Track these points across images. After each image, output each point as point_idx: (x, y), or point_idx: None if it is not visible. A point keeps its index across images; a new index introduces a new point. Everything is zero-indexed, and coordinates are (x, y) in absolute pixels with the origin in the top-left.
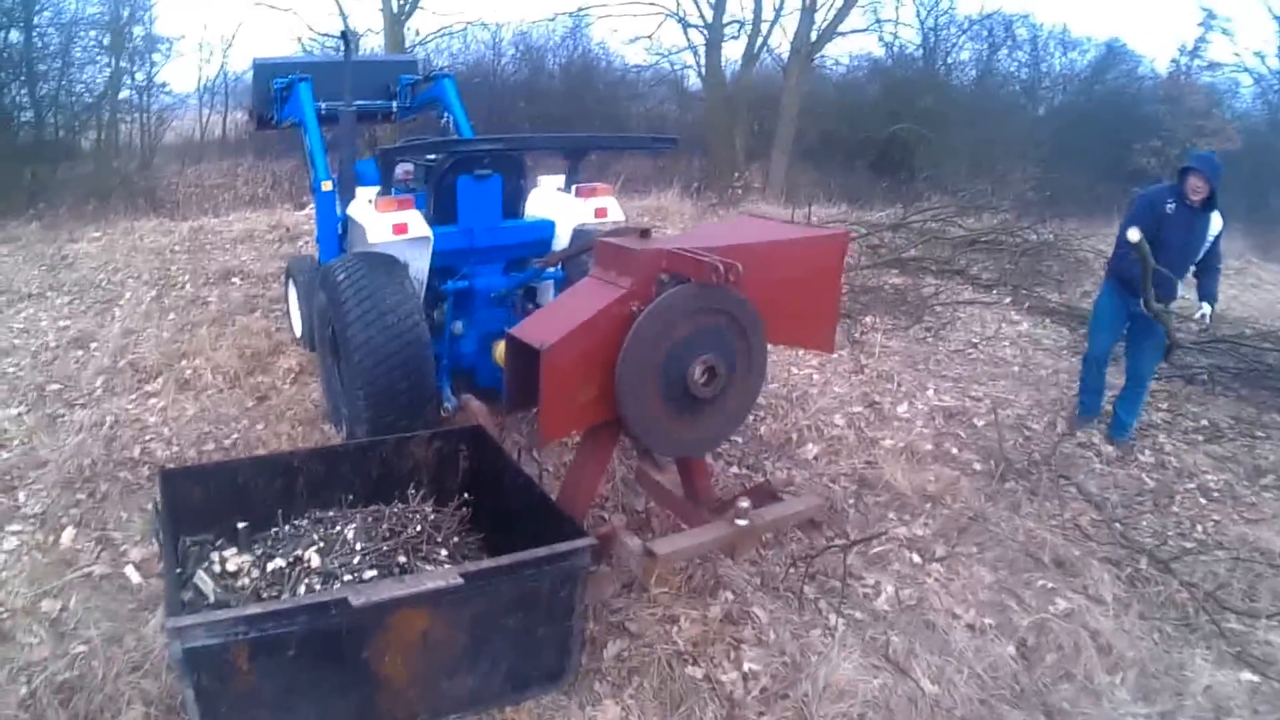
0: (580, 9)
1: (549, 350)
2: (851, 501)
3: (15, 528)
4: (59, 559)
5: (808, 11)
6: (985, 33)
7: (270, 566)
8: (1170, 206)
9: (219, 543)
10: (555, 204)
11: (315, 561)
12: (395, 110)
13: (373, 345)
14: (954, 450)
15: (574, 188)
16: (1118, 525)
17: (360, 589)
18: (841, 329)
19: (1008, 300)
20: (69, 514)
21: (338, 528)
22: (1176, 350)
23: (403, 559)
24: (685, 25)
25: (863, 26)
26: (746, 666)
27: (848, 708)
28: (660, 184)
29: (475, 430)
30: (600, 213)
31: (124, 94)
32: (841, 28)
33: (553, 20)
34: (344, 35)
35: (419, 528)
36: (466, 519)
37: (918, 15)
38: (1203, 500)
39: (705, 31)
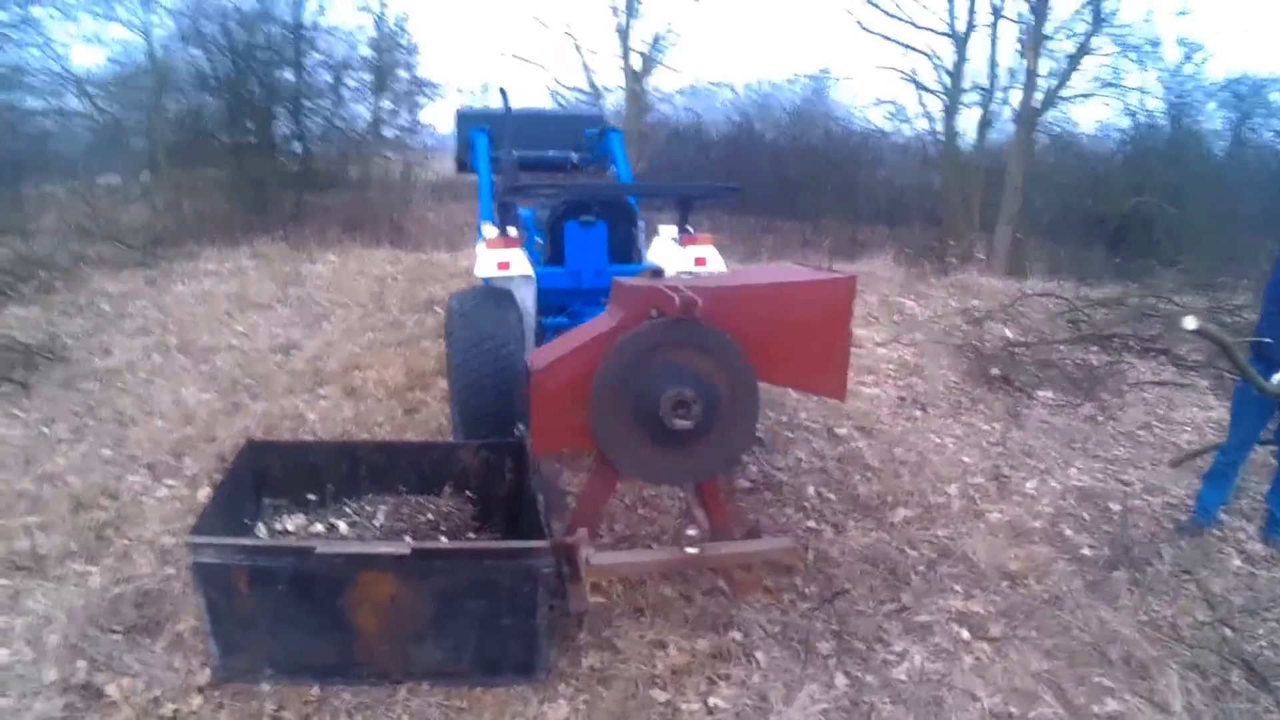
0: (821, 70)
1: (538, 373)
2: (921, 569)
3: (171, 482)
4: (189, 508)
5: (1032, 76)
6: (1234, 99)
7: (312, 529)
8: None
9: (291, 508)
10: (664, 251)
11: (343, 529)
12: (575, 160)
13: (469, 367)
14: (1068, 532)
15: (679, 236)
16: (1227, 630)
17: (328, 542)
18: (1001, 401)
19: (1206, 384)
20: (211, 477)
21: (371, 508)
22: None
23: (408, 538)
24: (920, 89)
25: (1088, 91)
26: (713, 701)
27: None
28: (875, 249)
29: (520, 445)
30: (699, 261)
31: (387, 133)
32: (1066, 93)
33: (792, 81)
34: (501, 91)
35: (430, 516)
36: (473, 515)
37: (1160, 81)
38: None
39: (944, 97)
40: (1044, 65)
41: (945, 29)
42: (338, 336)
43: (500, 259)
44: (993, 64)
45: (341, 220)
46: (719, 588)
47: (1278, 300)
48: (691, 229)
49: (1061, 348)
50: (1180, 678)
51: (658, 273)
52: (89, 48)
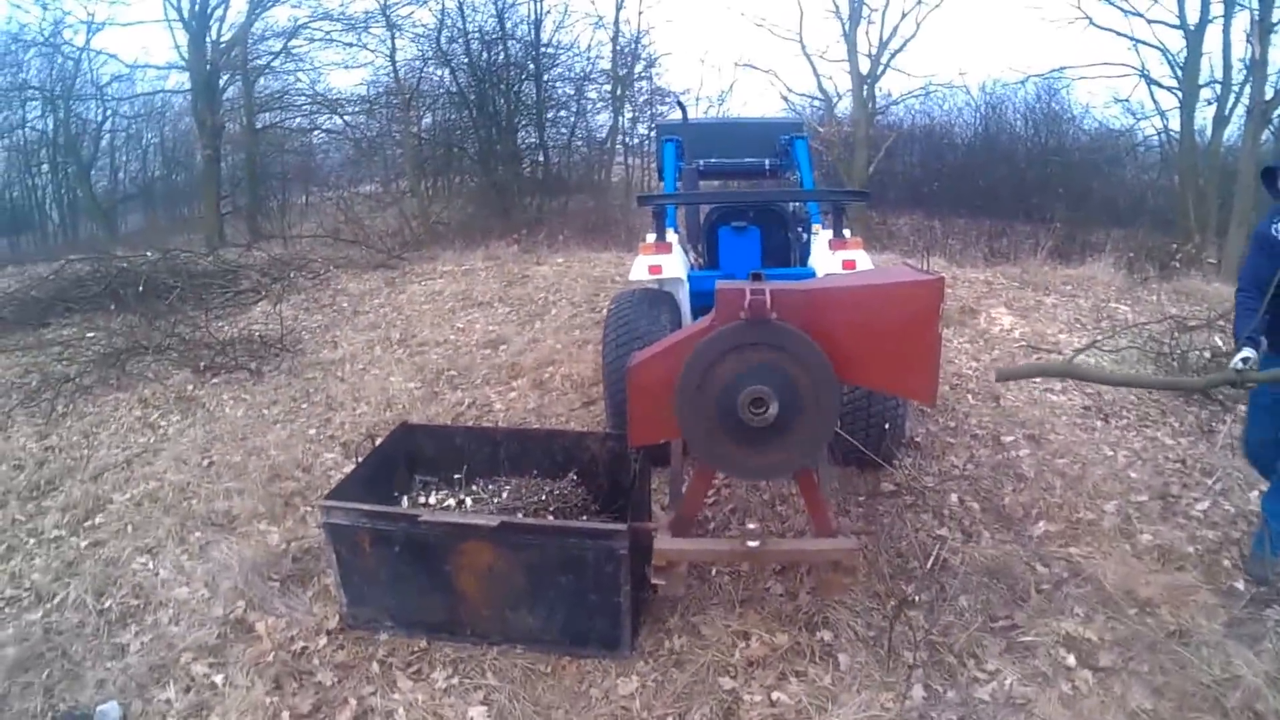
0: (1053, 70)
1: (633, 367)
2: (1045, 587)
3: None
4: None
5: (1261, 67)
6: None
7: (446, 504)
8: (1277, 229)
9: (439, 485)
10: (819, 255)
11: (469, 504)
12: (768, 166)
13: (617, 365)
14: (1226, 561)
15: (829, 240)
16: None
17: (432, 512)
18: (1194, 415)
19: None
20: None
21: (496, 487)
22: None
23: (520, 515)
24: (1151, 84)
25: None
26: (777, 695)
27: None
28: (1098, 253)
29: None
30: (848, 264)
31: (628, 141)
32: None
33: (1023, 83)
34: (679, 103)
35: (543, 497)
36: (585, 497)
37: None
38: None
39: (1178, 93)
40: (1277, 56)
41: (1176, 21)
42: (545, 334)
43: (652, 263)
44: (1227, 57)
45: (579, 225)
46: None
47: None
48: (848, 233)
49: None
50: None
51: (758, 276)
52: (345, 71)
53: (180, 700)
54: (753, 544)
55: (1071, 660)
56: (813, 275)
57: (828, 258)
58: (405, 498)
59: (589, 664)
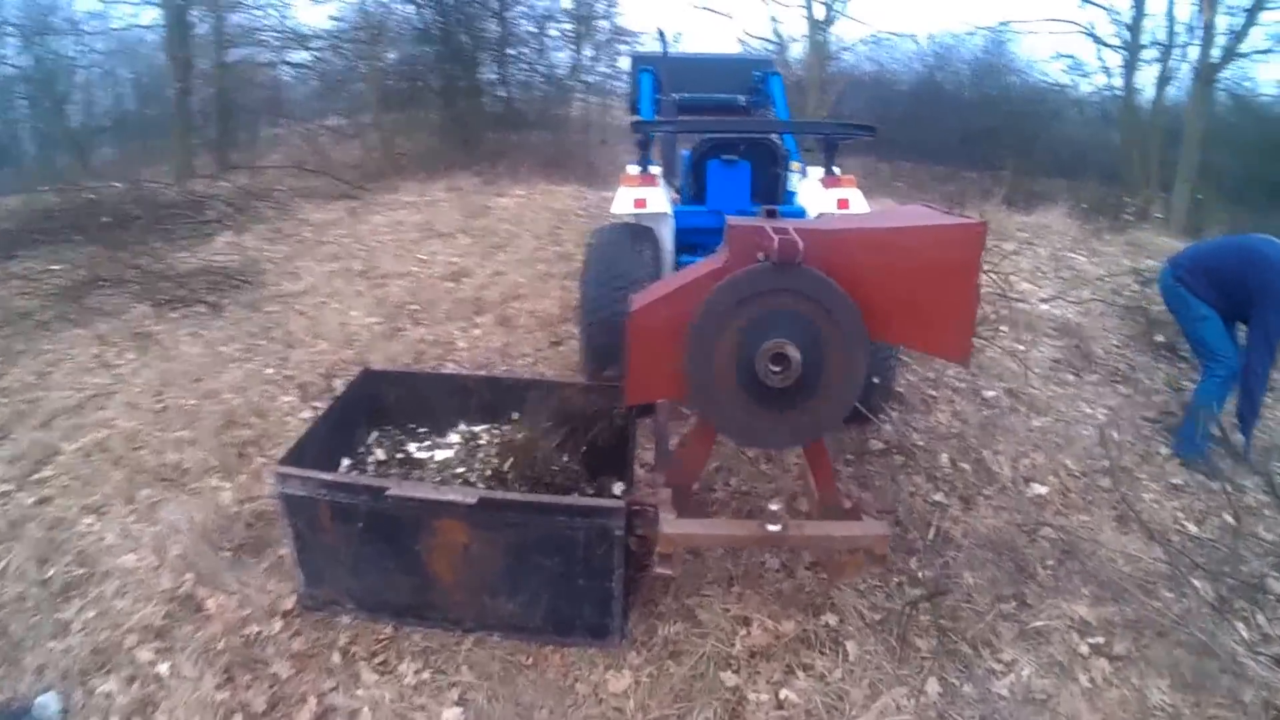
0: (1000, 23)
1: (634, 313)
2: (1050, 564)
3: (318, 404)
4: None
5: (1210, 30)
6: None
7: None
8: None
9: (400, 436)
10: (810, 193)
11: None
12: (743, 102)
13: (597, 303)
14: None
15: (820, 178)
16: None
17: (401, 485)
18: (1163, 371)
19: None
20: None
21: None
22: None
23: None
24: (1098, 43)
25: (1267, 49)
26: (785, 694)
27: None
28: (1051, 202)
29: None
30: (842, 203)
31: (587, 78)
32: (1244, 49)
33: (971, 34)
34: (659, 33)
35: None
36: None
37: None
38: None
39: (1123, 52)
40: (1222, 21)
41: None
42: (509, 266)
43: (637, 196)
44: (1171, 18)
45: (539, 159)
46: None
47: None
48: (839, 170)
49: None
50: None
51: (772, 213)
52: (315, 6)
53: (123, 694)
54: (773, 527)
55: (1085, 648)
56: (803, 214)
57: (820, 196)
58: (377, 450)
59: (574, 654)
